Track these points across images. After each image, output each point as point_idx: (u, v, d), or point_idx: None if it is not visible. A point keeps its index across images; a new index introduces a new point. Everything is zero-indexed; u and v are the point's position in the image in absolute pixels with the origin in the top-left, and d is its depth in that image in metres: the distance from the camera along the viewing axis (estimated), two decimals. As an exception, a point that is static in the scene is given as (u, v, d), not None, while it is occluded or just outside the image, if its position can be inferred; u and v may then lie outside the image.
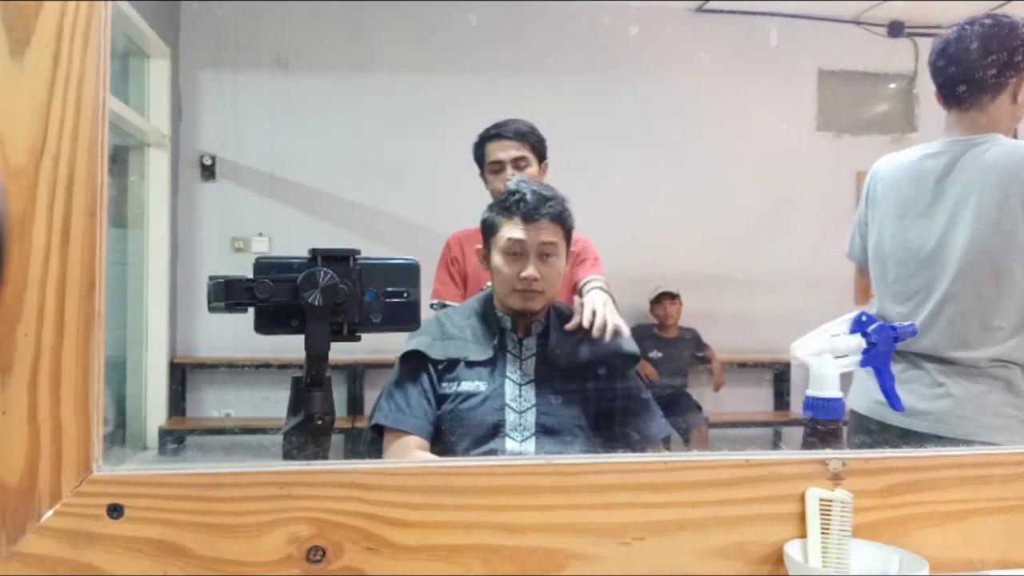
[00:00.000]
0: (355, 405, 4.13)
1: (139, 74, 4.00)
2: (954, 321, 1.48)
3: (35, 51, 0.59)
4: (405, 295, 0.71)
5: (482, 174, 1.90)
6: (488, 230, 1.45)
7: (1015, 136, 1.53)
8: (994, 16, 1.47)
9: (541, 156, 1.88)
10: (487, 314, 1.46)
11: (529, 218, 1.40)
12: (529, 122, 1.89)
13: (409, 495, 0.66)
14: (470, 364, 1.41)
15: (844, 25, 4.64)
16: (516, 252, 1.41)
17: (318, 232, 4.21)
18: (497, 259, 1.43)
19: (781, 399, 4.65)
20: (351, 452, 3.30)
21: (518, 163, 1.84)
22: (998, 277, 1.45)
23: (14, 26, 0.59)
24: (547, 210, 1.40)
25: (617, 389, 1.47)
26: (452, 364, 1.42)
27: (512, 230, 1.41)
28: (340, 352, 0.69)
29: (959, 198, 1.47)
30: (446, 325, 1.46)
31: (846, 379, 0.84)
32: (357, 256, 0.70)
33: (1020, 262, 1.43)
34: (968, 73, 1.47)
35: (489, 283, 1.51)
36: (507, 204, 1.41)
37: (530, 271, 1.39)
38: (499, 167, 1.84)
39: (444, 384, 1.40)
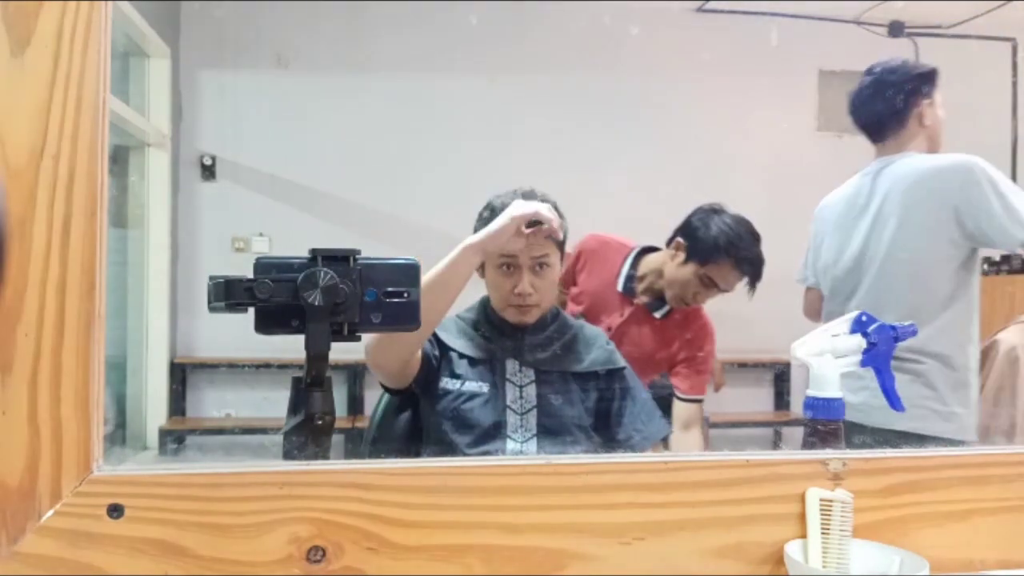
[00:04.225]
0: (355, 405, 4.13)
1: (139, 74, 4.00)
2: (870, 308, 1.61)
3: (35, 51, 0.59)
4: (405, 295, 0.71)
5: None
6: None
7: (940, 151, 1.76)
8: (887, 63, 1.77)
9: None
10: (489, 317, 1.47)
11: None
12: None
13: (409, 495, 0.66)
14: (472, 363, 1.42)
15: (844, 25, 4.63)
16: (509, 266, 1.40)
17: (318, 232, 4.20)
18: (491, 273, 1.42)
19: (781, 399, 4.64)
20: (351, 452, 3.30)
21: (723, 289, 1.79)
22: (914, 274, 1.65)
23: (14, 26, 0.59)
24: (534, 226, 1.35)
25: (616, 389, 1.48)
26: (456, 360, 1.42)
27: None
28: (340, 352, 0.69)
29: (879, 207, 1.70)
30: (456, 322, 1.47)
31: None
32: (357, 256, 0.70)
33: (933, 260, 1.63)
34: (877, 112, 1.74)
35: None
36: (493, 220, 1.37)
37: (523, 286, 1.38)
38: (708, 284, 1.80)
39: (446, 379, 1.41)
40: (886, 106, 1.72)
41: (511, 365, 1.42)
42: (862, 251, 1.72)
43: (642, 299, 1.86)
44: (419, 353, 1.37)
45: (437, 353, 1.42)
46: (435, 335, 1.42)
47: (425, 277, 1.25)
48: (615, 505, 0.69)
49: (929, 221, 1.63)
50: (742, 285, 1.79)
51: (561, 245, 1.44)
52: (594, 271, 1.90)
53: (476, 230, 1.38)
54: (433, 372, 1.41)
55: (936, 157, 1.70)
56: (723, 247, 1.72)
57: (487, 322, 1.46)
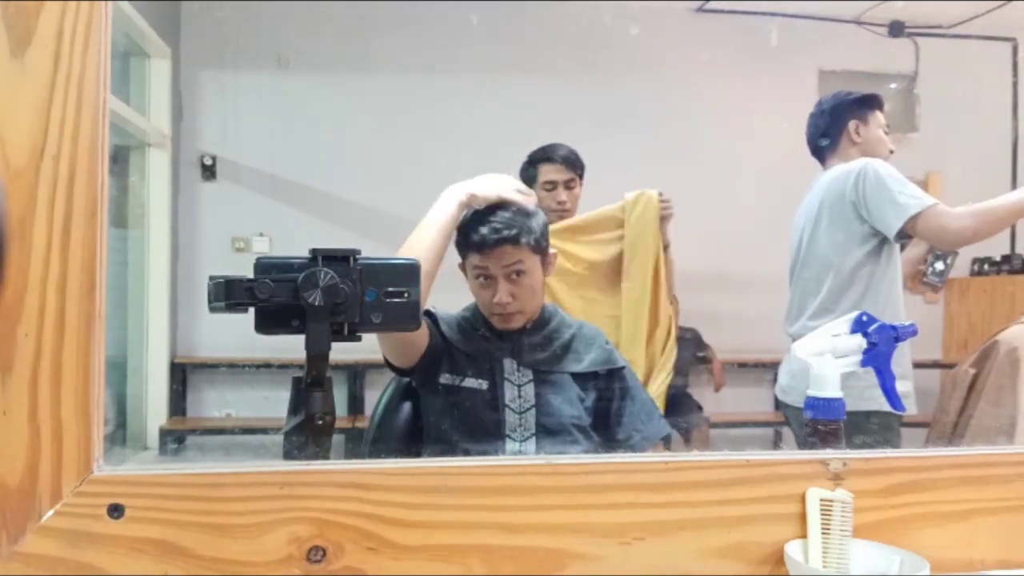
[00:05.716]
0: (355, 405, 4.13)
1: (140, 74, 4.00)
2: (800, 304, 1.97)
3: (36, 51, 0.59)
4: (405, 295, 0.71)
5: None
6: (460, 251, 1.44)
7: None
8: (825, 97, 2.11)
9: (581, 176, 2.23)
10: (485, 318, 1.47)
11: (485, 246, 1.37)
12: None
13: (410, 495, 0.66)
14: (471, 360, 1.42)
15: (844, 25, 4.63)
16: (486, 277, 1.40)
17: (318, 232, 4.20)
18: (471, 284, 1.44)
19: (780, 399, 4.64)
20: (351, 452, 3.29)
21: (568, 184, 2.16)
22: (828, 264, 1.90)
23: (15, 26, 0.59)
24: (499, 237, 1.37)
25: (616, 389, 1.47)
26: (457, 356, 1.42)
27: (475, 257, 1.39)
28: (340, 352, 0.69)
29: (808, 212, 2.00)
30: (457, 318, 1.48)
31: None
32: (357, 256, 0.70)
33: (844, 249, 1.88)
34: (813, 138, 2.09)
35: None
36: (465, 232, 1.39)
37: (500, 296, 1.38)
38: (551, 187, 2.13)
39: (446, 374, 1.41)
40: (818, 132, 2.06)
41: (508, 364, 1.43)
42: (798, 252, 2.03)
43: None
44: (425, 330, 1.38)
45: (441, 343, 1.42)
46: (438, 328, 1.43)
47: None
48: (615, 505, 0.69)
49: (836, 218, 1.90)
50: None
51: (541, 248, 1.43)
52: None
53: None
54: (435, 362, 1.41)
55: (841, 167, 1.93)
56: (537, 154, 2.20)
57: (484, 323, 1.46)
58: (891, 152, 2.00)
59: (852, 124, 2.00)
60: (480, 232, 1.37)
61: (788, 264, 2.12)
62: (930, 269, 2.05)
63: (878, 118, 2.02)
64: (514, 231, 1.38)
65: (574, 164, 2.19)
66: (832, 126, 2.02)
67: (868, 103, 2.02)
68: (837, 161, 2.00)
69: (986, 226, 1.81)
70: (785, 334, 2.06)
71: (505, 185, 1.40)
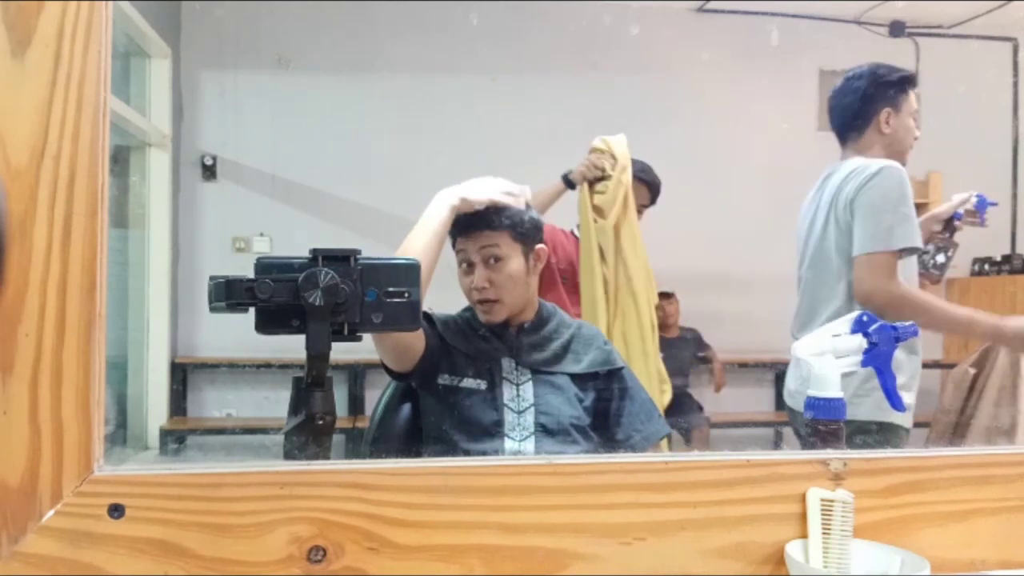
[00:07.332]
0: (356, 405, 4.13)
1: (140, 74, 4.00)
2: (809, 304, 1.88)
3: (36, 51, 0.59)
4: (406, 295, 0.71)
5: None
6: (451, 241, 1.45)
7: (904, 158, 1.84)
8: (859, 68, 1.85)
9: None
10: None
11: (465, 229, 1.40)
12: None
13: (410, 495, 0.66)
14: (470, 360, 1.42)
15: (845, 25, 4.64)
16: (469, 263, 1.41)
17: (319, 232, 4.21)
18: (458, 274, 1.45)
19: (782, 399, 4.63)
20: (352, 452, 3.30)
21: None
22: (839, 268, 1.79)
23: (15, 26, 0.59)
24: (477, 219, 1.38)
25: (615, 389, 1.47)
26: (456, 357, 1.42)
27: (457, 241, 1.41)
28: (341, 352, 0.69)
29: (816, 208, 1.87)
30: (455, 319, 1.48)
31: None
32: (358, 256, 0.70)
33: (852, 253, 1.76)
34: (839, 116, 1.86)
35: None
36: (454, 219, 1.40)
37: (476, 280, 1.39)
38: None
39: (445, 375, 1.41)
40: (846, 111, 1.83)
41: (507, 364, 1.42)
42: (805, 249, 1.92)
43: None
44: (422, 334, 1.38)
45: (439, 344, 1.42)
46: (436, 330, 1.43)
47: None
48: (615, 505, 0.69)
49: (843, 219, 1.77)
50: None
51: (524, 238, 1.43)
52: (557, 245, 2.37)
53: None
54: (434, 364, 1.41)
55: (861, 162, 1.77)
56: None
57: (483, 322, 1.46)
58: (915, 139, 1.85)
59: (884, 113, 1.81)
60: (463, 216, 1.39)
61: (792, 261, 2.07)
62: (931, 261, 2.02)
63: (911, 102, 1.83)
64: (491, 214, 1.39)
65: (647, 180, 2.46)
66: (861, 112, 1.82)
67: (903, 85, 1.82)
68: (854, 151, 1.84)
69: (906, 311, 1.64)
70: (793, 337, 1.95)
71: (495, 187, 1.40)
